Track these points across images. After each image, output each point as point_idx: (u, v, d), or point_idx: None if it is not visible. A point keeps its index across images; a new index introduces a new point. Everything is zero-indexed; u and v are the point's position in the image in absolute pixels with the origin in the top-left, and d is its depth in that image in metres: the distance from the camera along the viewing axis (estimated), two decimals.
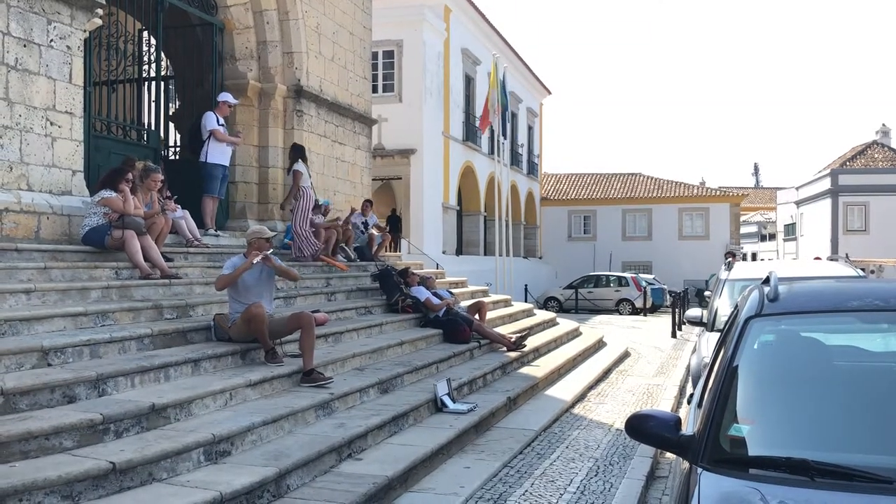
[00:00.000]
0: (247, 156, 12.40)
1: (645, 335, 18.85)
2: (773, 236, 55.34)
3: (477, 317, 11.35)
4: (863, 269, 10.88)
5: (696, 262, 38.39)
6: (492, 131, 25.92)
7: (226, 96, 11.18)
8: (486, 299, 13.72)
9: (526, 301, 23.72)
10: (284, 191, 12.83)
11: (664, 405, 9.43)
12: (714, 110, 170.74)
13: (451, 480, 5.83)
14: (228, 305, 7.35)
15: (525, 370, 10.41)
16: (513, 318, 14.49)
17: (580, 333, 15.33)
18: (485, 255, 29.63)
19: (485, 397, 8.34)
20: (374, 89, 20.85)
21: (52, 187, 7.90)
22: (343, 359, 7.94)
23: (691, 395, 4.52)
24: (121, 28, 10.74)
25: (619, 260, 39.45)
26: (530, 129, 38.90)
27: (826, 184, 41.42)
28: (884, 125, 44.76)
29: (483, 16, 29.08)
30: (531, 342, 11.69)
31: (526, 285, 29.02)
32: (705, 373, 3.89)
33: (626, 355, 14.18)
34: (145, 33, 12.18)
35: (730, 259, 13.91)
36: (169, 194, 9.90)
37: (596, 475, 6.26)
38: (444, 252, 25.36)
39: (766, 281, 3.48)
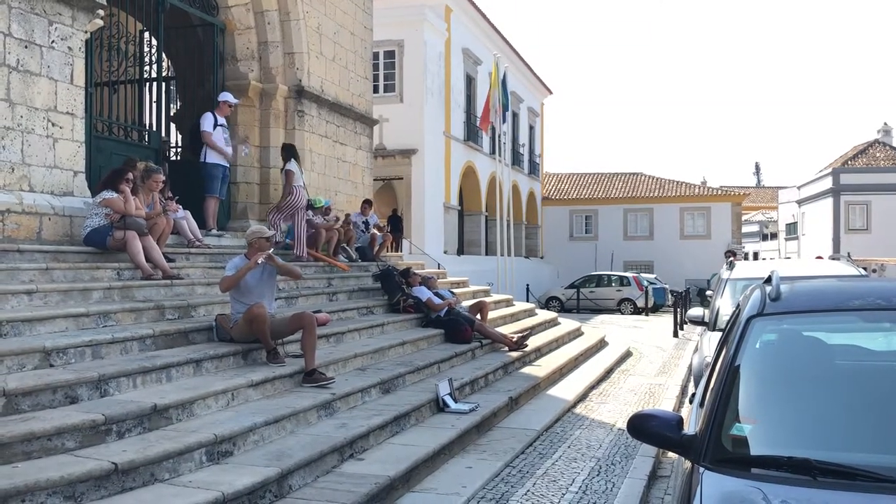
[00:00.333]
0: (248, 156, 12.41)
1: (647, 335, 18.84)
2: (774, 235, 55.30)
3: (478, 317, 11.36)
4: (864, 269, 10.87)
5: (697, 261, 38.38)
6: (493, 131, 25.92)
7: (226, 96, 11.17)
8: (487, 299, 13.72)
9: (527, 301, 23.72)
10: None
11: (666, 405, 9.42)
12: (715, 110, 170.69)
13: (453, 480, 5.83)
14: (230, 306, 7.36)
15: (527, 370, 10.41)
16: (514, 317, 14.49)
17: (582, 333, 15.33)
18: (486, 254, 29.62)
19: (486, 397, 8.34)
20: (376, 89, 20.85)
21: (53, 188, 7.91)
22: (345, 359, 7.95)
23: (693, 395, 4.52)
24: (122, 29, 10.75)
25: (621, 259, 39.43)
26: (531, 128, 38.89)
27: (828, 183, 41.39)
28: (885, 124, 44.71)
29: (484, 16, 29.08)
30: (533, 342, 11.69)
31: (527, 285, 29.02)
32: (707, 372, 3.89)
33: (627, 355, 14.17)
34: (146, 34, 12.19)
35: (731, 258, 13.90)
36: (170, 195, 9.91)
37: (598, 475, 6.25)
38: (445, 252, 25.37)
39: (768, 280, 3.48)
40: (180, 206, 9.78)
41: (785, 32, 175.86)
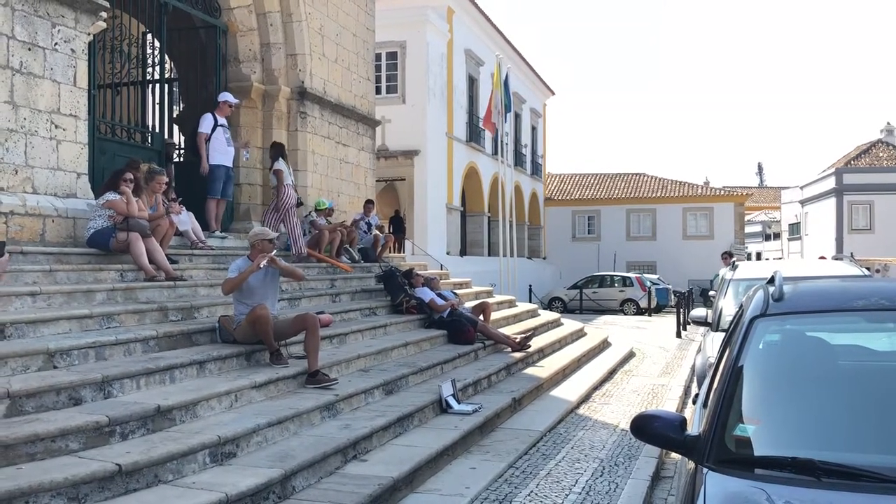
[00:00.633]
0: (251, 158, 12.42)
1: (650, 335, 18.83)
2: (777, 236, 55.24)
3: (481, 317, 11.35)
4: (868, 269, 10.86)
5: (700, 261, 38.31)
6: (496, 132, 25.92)
7: (226, 96, 11.17)
8: (490, 300, 13.71)
9: (530, 301, 23.69)
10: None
11: (669, 405, 9.42)
12: (718, 110, 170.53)
13: (457, 481, 5.83)
14: (233, 307, 7.36)
15: (530, 371, 10.41)
16: (517, 318, 14.48)
17: (585, 334, 15.31)
18: (489, 255, 29.62)
19: (490, 398, 8.34)
20: (378, 90, 20.86)
21: (56, 190, 7.92)
22: (348, 360, 7.95)
23: (696, 396, 4.51)
24: (125, 31, 10.77)
25: (624, 260, 39.41)
26: (534, 129, 38.89)
27: (830, 183, 41.32)
28: (888, 124, 44.61)
29: (486, 17, 29.08)
30: (536, 343, 11.68)
31: (530, 286, 29.01)
32: (710, 373, 3.88)
33: (630, 355, 14.16)
34: (149, 36, 12.22)
35: (734, 259, 13.88)
36: (174, 196, 9.92)
37: (601, 476, 6.25)
38: (448, 253, 25.37)
39: (771, 280, 3.48)
40: (183, 208, 9.79)
41: (788, 32, 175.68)
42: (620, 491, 5.87)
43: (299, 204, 12.01)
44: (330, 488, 5.20)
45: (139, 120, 11.67)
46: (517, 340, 11.05)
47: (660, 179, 44.40)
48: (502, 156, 26.02)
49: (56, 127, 7.89)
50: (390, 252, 15.57)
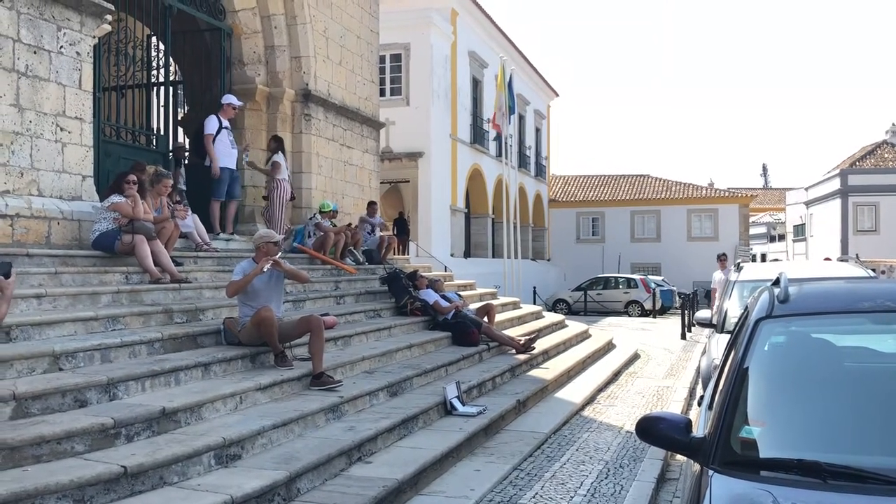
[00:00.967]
0: (255, 160, 12.44)
1: (654, 337, 18.80)
2: (782, 237, 55.13)
3: (486, 319, 11.34)
4: (873, 270, 10.81)
5: (705, 263, 38.15)
6: (498, 133, 25.92)
7: (230, 98, 11.20)
8: (494, 302, 13.71)
9: (534, 303, 23.67)
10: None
11: (674, 407, 9.39)
12: (722, 111, 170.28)
13: (462, 483, 5.83)
14: (238, 309, 7.37)
15: (534, 373, 10.40)
16: (521, 320, 14.47)
17: (589, 335, 15.30)
18: (493, 257, 29.61)
19: (494, 400, 8.33)
20: (382, 93, 20.87)
21: (62, 192, 7.94)
22: (352, 362, 7.95)
23: (701, 397, 4.51)
24: (129, 33, 10.81)
25: (628, 261, 39.34)
26: (538, 131, 38.86)
27: (836, 184, 41.23)
28: (894, 124, 44.45)
29: (490, 18, 29.08)
30: (540, 344, 11.68)
31: (534, 287, 28.98)
32: (716, 375, 3.87)
33: (635, 357, 14.14)
34: (154, 38, 12.25)
35: (740, 261, 13.86)
36: (178, 199, 9.94)
37: (606, 478, 6.24)
38: (452, 255, 25.36)
39: (777, 282, 3.47)
40: (188, 210, 9.81)
41: (792, 33, 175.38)
42: (625, 493, 5.86)
43: (292, 198, 12.10)
44: (335, 490, 5.20)
45: (144, 122, 11.70)
46: (522, 342, 11.05)
47: (664, 181, 44.33)
48: (506, 157, 26.01)
49: (61, 129, 7.91)
50: (394, 254, 15.58)
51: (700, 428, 3.39)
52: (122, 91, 10.93)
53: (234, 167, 11.11)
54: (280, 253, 7.55)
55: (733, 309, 8.06)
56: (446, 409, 7.50)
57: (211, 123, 10.75)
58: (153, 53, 12.32)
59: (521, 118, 33.96)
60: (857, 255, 27.01)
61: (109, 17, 8.56)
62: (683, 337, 18.28)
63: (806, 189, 46.88)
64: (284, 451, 5.53)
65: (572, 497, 5.70)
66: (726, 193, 43.16)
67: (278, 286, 7.49)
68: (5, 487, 3.97)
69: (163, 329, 6.91)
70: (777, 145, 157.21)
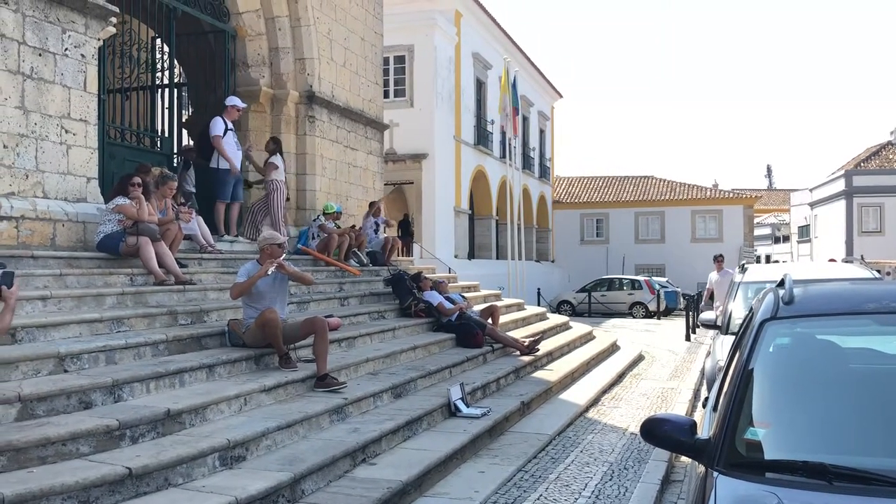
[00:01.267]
0: (259, 162, 12.45)
1: (659, 338, 18.78)
2: (786, 238, 55.03)
3: (490, 321, 11.34)
4: (878, 271, 10.79)
5: (709, 264, 38.00)
6: (503, 135, 25.94)
7: (234, 100, 11.22)
8: (498, 303, 13.71)
9: (538, 305, 23.66)
10: (297, 196, 12.94)
11: (679, 409, 9.38)
12: (726, 112, 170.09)
13: (466, 485, 5.82)
14: (242, 311, 7.38)
15: (538, 374, 10.39)
16: (525, 321, 14.46)
17: (594, 337, 15.29)
18: (497, 258, 29.61)
19: (498, 402, 8.33)
20: (386, 94, 20.89)
21: (67, 194, 7.96)
22: (356, 363, 7.95)
23: (706, 399, 4.50)
24: (134, 36, 10.84)
25: (632, 263, 39.30)
26: (542, 132, 38.87)
27: (840, 185, 41.13)
28: None
29: (494, 20, 29.09)
30: (544, 346, 11.67)
31: (538, 289, 28.96)
32: (720, 376, 3.87)
33: (639, 359, 14.12)
34: (158, 41, 12.28)
35: (744, 262, 13.84)
36: (183, 200, 9.95)
37: (611, 479, 6.23)
38: (456, 256, 25.36)
39: (781, 283, 3.46)
40: (193, 212, 9.82)
41: (796, 34, 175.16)
42: (630, 495, 5.85)
43: (286, 199, 12.15)
44: (339, 492, 5.21)
45: (148, 124, 11.72)
46: (526, 344, 11.04)
47: (668, 182, 44.28)
48: (510, 159, 26.01)
49: (66, 132, 7.93)
50: (398, 255, 15.59)
51: (705, 429, 3.38)
52: (127, 93, 10.95)
53: (238, 169, 11.13)
54: (284, 255, 7.56)
55: (738, 310, 8.05)
56: (450, 411, 7.50)
57: (217, 125, 10.76)
58: (157, 56, 12.34)
59: (525, 119, 33.96)
60: (861, 256, 26.92)
61: (114, 20, 8.58)
62: (688, 338, 18.26)
63: (810, 190, 46.79)
64: (289, 452, 5.54)
65: (577, 499, 5.70)
66: (730, 194, 43.09)
67: (283, 288, 7.50)
68: (11, 489, 3.98)
69: (167, 331, 6.92)
70: (781, 146, 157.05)
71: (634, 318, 27.76)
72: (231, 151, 10.88)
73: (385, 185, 17.63)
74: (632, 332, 20.16)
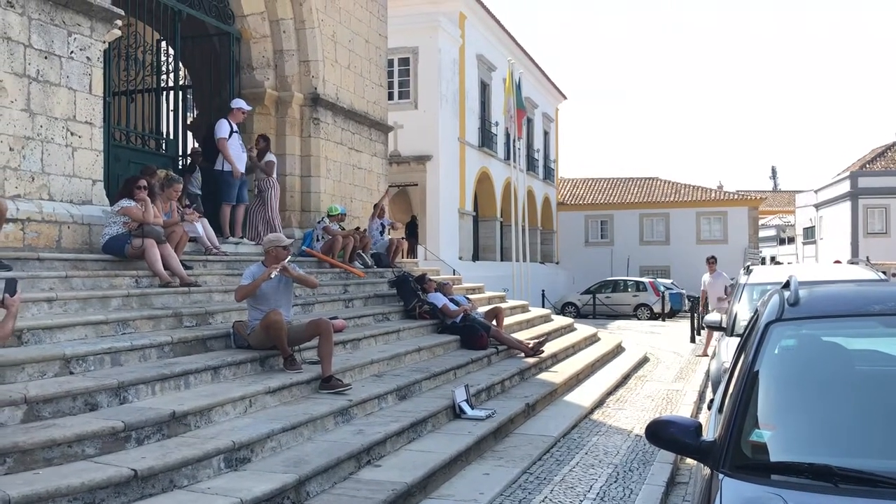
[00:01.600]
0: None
1: (664, 340, 18.75)
2: (792, 240, 54.90)
3: (494, 323, 11.34)
4: (884, 272, 10.76)
5: None
6: (507, 136, 25.94)
7: (239, 102, 11.23)
8: (503, 305, 13.70)
9: (543, 307, 23.66)
10: (301, 198, 12.95)
11: (684, 411, 9.36)
12: (731, 113, 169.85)
13: (471, 487, 5.82)
14: (247, 313, 7.39)
15: (543, 376, 10.38)
16: (530, 323, 14.45)
17: (598, 339, 15.27)
18: (501, 260, 29.59)
19: (503, 403, 8.32)
20: (390, 96, 20.88)
21: (72, 197, 7.98)
22: (361, 365, 7.96)
23: (711, 401, 4.49)
24: (139, 39, 10.87)
25: (637, 265, 39.24)
26: (546, 134, 38.86)
27: (845, 186, 41.02)
28: None
29: (498, 22, 29.09)
30: (549, 348, 11.66)
31: (543, 291, 28.96)
32: (725, 378, 3.86)
33: (644, 360, 14.10)
34: (163, 43, 12.30)
35: (748, 264, 13.81)
36: (188, 202, 9.97)
37: (615, 481, 6.23)
38: (460, 258, 25.36)
39: (787, 285, 3.45)
40: (196, 214, 9.84)
41: (801, 35, 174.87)
42: (635, 497, 5.84)
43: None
44: (344, 494, 5.21)
45: (153, 127, 11.75)
46: (530, 346, 11.04)
47: (673, 184, 44.23)
48: (514, 161, 26.00)
49: (72, 134, 7.96)
50: (403, 257, 15.59)
51: (710, 431, 3.37)
52: (132, 96, 10.98)
53: (242, 171, 11.14)
54: (289, 257, 7.56)
55: (743, 312, 8.03)
56: (455, 413, 7.50)
57: (223, 127, 10.77)
58: (162, 58, 12.37)
59: (530, 121, 33.94)
60: (867, 257, 26.86)
61: (119, 23, 8.61)
62: (693, 340, 18.22)
63: (816, 191, 46.67)
64: (294, 454, 5.54)
65: (582, 501, 5.69)
66: (735, 196, 43.02)
67: (287, 290, 7.51)
68: (17, 490, 3.99)
69: (172, 333, 6.93)
70: (786, 147, 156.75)
71: (639, 319, 27.72)
72: (236, 154, 10.89)
73: (389, 186, 17.64)
74: (637, 334, 20.13)
